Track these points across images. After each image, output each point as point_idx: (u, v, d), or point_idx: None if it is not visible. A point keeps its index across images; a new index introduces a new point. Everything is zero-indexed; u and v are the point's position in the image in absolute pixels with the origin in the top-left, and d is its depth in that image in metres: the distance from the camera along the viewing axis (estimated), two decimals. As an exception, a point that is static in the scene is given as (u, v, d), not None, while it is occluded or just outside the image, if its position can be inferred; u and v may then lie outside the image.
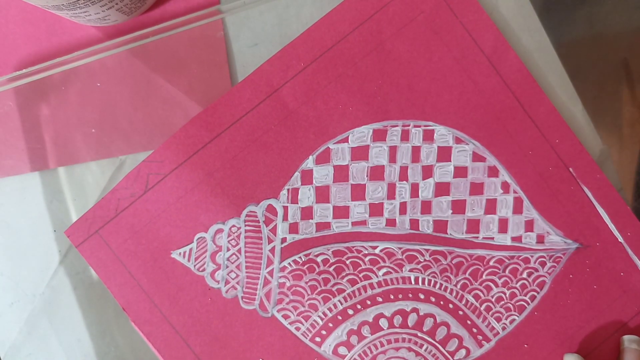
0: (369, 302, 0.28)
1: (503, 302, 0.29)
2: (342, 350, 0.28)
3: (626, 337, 0.28)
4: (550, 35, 0.30)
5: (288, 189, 0.28)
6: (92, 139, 0.29)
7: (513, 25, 0.29)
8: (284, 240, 0.28)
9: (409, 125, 0.28)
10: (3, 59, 0.29)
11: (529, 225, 0.29)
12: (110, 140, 0.28)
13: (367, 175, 0.28)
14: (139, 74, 0.29)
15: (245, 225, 0.28)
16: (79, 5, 0.25)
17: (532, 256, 0.29)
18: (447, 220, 0.29)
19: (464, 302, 0.29)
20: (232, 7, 0.29)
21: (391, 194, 0.28)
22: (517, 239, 0.29)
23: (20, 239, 0.29)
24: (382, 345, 0.29)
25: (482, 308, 0.29)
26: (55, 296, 0.28)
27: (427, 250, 0.29)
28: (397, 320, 0.29)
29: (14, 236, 0.29)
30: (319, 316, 0.28)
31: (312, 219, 0.28)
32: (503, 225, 0.29)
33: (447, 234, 0.29)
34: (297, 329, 0.28)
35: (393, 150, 0.28)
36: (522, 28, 0.29)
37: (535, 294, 0.29)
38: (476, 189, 0.29)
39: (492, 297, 0.29)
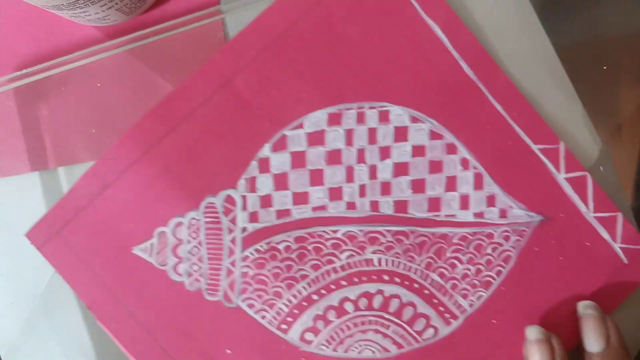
0: (333, 287, 0.28)
1: (469, 279, 0.29)
2: (309, 336, 0.28)
3: (581, 304, 0.28)
4: (550, 36, 0.29)
5: (246, 179, 0.28)
6: (91, 139, 0.29)
7: (512, 26, 0.29)
8: (244, 229, 0.28)
9: (364, 108, 0.28)
10: (3, 59, 0.29)
11: (491, 201, 0.29)
12: (110, 141, 0.28)
13: (324, 160, 0.28)
14: (138, 75, 0.28)
15: (205, 217, 0.28)
16: (79, 5, 0.25)
17: (495, 231, 0.29)
18: (408, 200, 0.28)
19: (429, 281, 0.29)
20: (232, 7, 0.29)
21: (350, 177, 0.28)
22: (479, 214, 0.29)
23: (20, 239, 0.28)
24: (348, 328, 0.28)
25: (448, 286, 0.29)
26: (55, 296, 0.28)
27: (389, 231, 0.28)
28: (363, 302, 0.28)
29: (14, 236, 0.28)
30: (283, 303, 0.28)
31: (271, 207, 0.28)
32: (464, 202, 0.29)
33: (408, 213, 0.28)
34: (263, 317, 0.28)
35: (349, 134, 0.28)
36: (521, 28, 0.29)
37: (501, 269, 0.29)
38: (435, 167, 0.29)
39: (458, 274, 0.29)
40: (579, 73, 0.27)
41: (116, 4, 0.26)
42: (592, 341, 0.26)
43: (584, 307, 0.27)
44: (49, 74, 0.28)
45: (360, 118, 0.28)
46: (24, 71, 0.28)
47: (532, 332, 0.27)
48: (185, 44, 0.28)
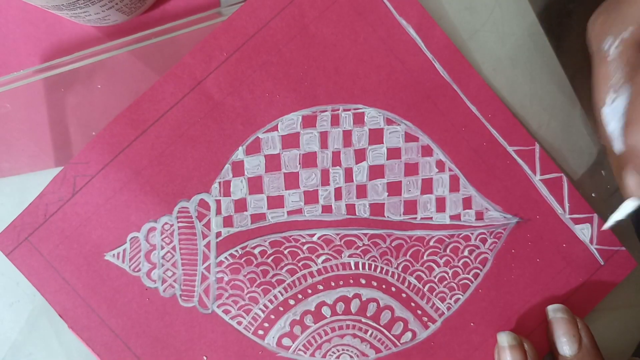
0: (310, 291, 0.28)
1: (446, 282, 0.28)
2: (286, 341, 0.28)
3: (550, 307, 0.28)
4: (549, 37, 0.30)
5: (219, 182, 0.28)
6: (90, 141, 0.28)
7: (512, 27, 0.29)
8: (218, 234, 0.28)
9: (338, 110, 0.28)
10: (3, 59, 0.29)
11: (467, 203, 0.28)
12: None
13: (299, 163, 0.28)
14: (139, 75, 0.28)
15: (178, 222, 0.28)
16: (79, 5, 0.24)
17: (472, 233, 0.29)
18: (384, 203, 0.28)
19: (406, 284, 0.28)
20: (232, 10, 0.28)
21: (325, 180, 0.28)
22: (455, 217, 0.28)
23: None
24: (326, 333, 0.28)
25: (425, 289, 0.28)
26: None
27: (365, 234, 0.28)
28: (340, 307, 0.28)
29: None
30: (260, 309, 0.28)
31: (246, 210, 0.28)
32: (441, 204, 0.28)
33: (384, 216, 0.28)
34: (239, 323, 0.28)
35: (324, 136, 0.28)
36: (521, 30, 0.29)
37: (478, 271, 0.29)
38: (411, 169, 0.28)
39: (435, 277, 0.28)
40: (578, 74, 0.27)
41: (116, 4, 0.26)
42: (565, 345, 0.26)
43: (554, 311, 0.27)
44: (50, 74, 0.28)
45: (335, 120, 0.28)
46: (24, 71, 0.28)
47: (504, 338, 0.27)
48: (185, 45, 0.28)
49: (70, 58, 0.28)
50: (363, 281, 0.28)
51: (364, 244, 0.28)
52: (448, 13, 0.29)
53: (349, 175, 0.28)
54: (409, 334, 0.28)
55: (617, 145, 0.25)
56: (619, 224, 0.27)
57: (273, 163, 0.28)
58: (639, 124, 0.22)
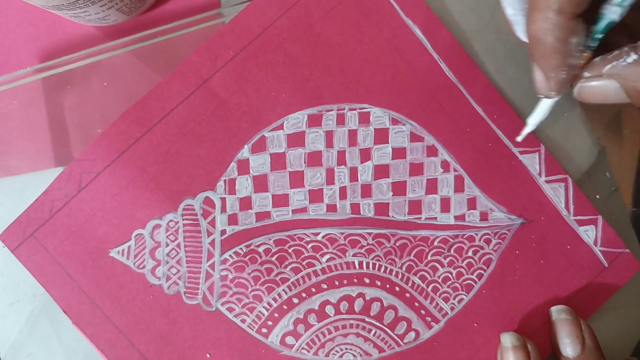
0: (313, 290, 0.28)
1: (450, 282, 0.29)
2: (289, 340, 0.28)
3: (554, 309, 0.28)
4: None
5: (225, 180, 0.28)
6: (93, 139, 0.28)
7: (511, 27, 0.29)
8: (223, 232, 0.28)
9: (344, 109, 0.28)
10: (3, 59, 0.29)
11: (472, 203, 0.29)
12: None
13: (304, 162, 0.28)
14: (139, 75, 0.28)
15: (183, 219, 0.28)
16: (79, 5, 0.25)
17: (476, 234, 0.29)
18: (389, 203, 0.28)
19: (410, 284, 0.28)
20: (232, 11, 0.28)
21: (330, 179, 0.28)
22: (460, 217, 0.29)
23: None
24: (329, 332, 0.28)
25: (429, 289, 0.28)
26: (55, 296, 0.28)
27: (369, 234, 0.28)
28: (344, 306, 0.28)
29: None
30: (264, 307, 0.28)
31: (251, 209, 0.28)
32: (445, 205, 0.28)
33: (389, 216, 0.28)
34: (243, 321, 0.28)
35: (329, 135, 0.28)
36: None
37: (482, 272, 0.29)
38: (416, 169, 0.28)
39: (439, 277, 0.28)
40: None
41: (116, 4, 0.26)
42: (568, 346, 0.26)
43: (558, 312, 0.27)
44: (51, 73, 0.28)
45: (340, 119, 0.28)
46: (25, 70, 0.28)
47: (507, 339, 0.27)
48: (186, 45, 0.28)
49: (70, 57, 0.28)
50: (367, 280, 0.28)
51: (368, 244, 0.28)
52: (451, 13, 0.29)
53: (354, 174, 0.28)
54: (412, 334, 0.28)
55: (517, 32, 0.24)
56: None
57: (278, 162, 0.28)
58: (538, 11, 0.21)
